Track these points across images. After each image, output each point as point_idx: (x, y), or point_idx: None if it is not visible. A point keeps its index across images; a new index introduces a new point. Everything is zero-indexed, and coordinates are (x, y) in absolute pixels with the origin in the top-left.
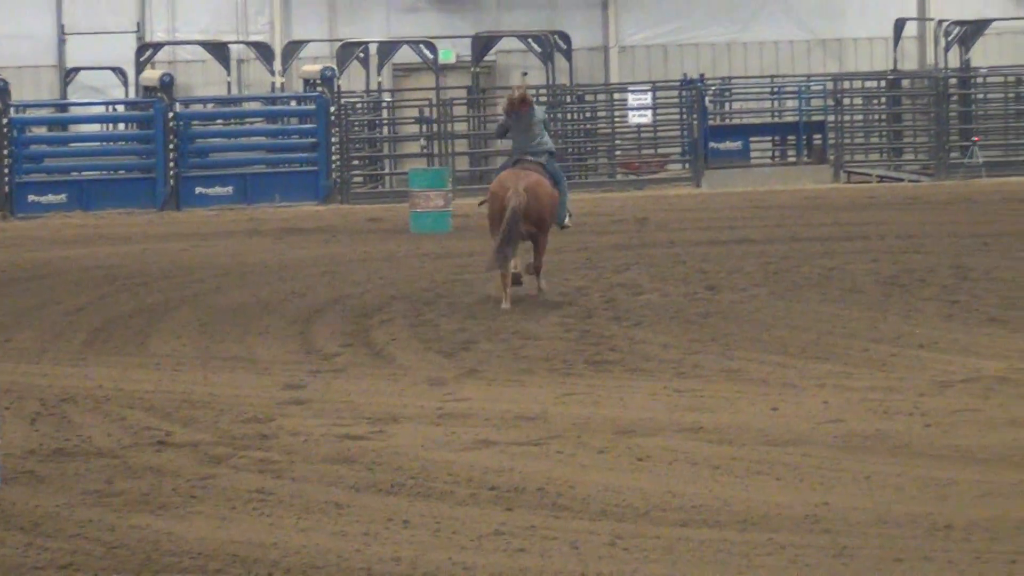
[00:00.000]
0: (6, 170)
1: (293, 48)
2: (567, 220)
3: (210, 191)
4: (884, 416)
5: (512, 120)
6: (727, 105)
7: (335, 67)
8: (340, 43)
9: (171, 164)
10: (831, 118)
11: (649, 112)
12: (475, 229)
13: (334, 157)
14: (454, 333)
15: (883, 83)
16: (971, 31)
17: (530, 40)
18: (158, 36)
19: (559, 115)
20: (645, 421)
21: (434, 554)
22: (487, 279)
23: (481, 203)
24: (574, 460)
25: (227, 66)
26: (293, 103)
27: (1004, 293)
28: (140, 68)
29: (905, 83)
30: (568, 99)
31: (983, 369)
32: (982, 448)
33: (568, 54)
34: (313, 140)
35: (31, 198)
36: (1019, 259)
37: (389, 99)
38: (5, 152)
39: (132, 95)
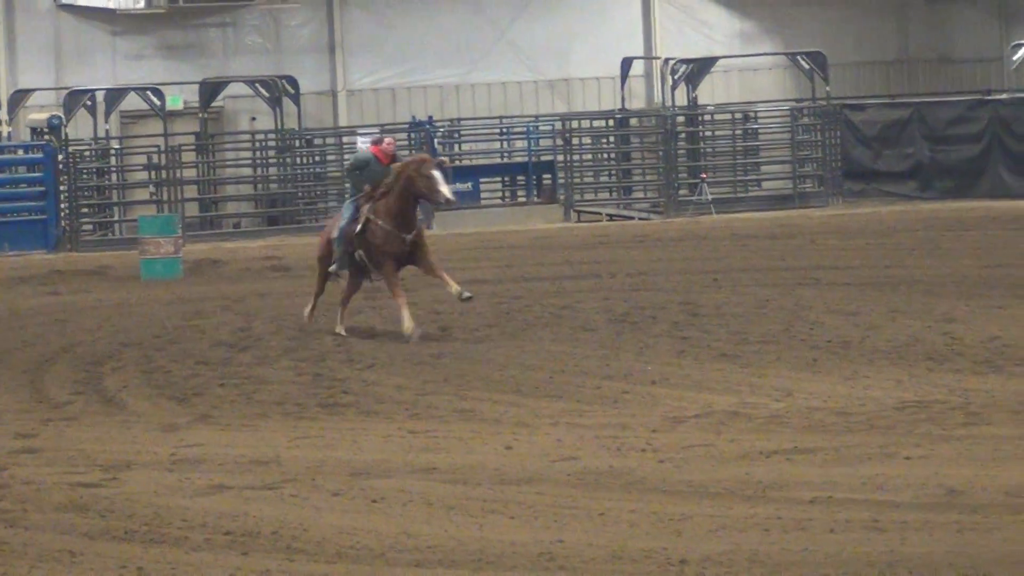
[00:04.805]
0: None
1: (19, 97)
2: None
3: None
4: (617, 453)
5: (375, 166)
6: (456, 146)
7: (62, 115)
8: (67, 91)
9: None
10: (560, 158)
11: None
12: (206, 274)
13: (63, 205)
14: (186, 379)
15: (611, 122)
16: (697, 69)
17: (258, 85)
18: None
19: (288, 159)
20: (379, 463)
21: None
22: (219, 324)
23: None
24: (308, 503)
25: None
26: (20, 152)
27: (734, 328)
28: None
29: (633, 122)
30: (297, 143)
31: (714, 404)
32: (715, 482)
33: (296, 99)
34: (41, 188)
35: None
36: (748, 295)
37: (117, 146)
38: None
39: None
